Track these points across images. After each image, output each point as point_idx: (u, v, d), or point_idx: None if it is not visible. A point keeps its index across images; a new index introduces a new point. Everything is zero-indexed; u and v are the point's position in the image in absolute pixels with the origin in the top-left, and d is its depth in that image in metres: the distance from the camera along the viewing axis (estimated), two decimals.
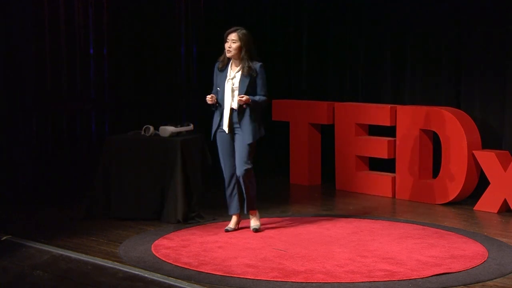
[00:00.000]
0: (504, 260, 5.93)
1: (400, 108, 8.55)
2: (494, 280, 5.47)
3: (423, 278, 5.47)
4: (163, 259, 6.01)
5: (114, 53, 9.63)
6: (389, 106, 8.62)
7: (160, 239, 6.66)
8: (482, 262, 5.87)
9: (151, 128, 7.60)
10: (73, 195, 8.55)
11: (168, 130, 7.51)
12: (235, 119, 6.65)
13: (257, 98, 6.64)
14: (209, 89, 10.63)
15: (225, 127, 6.69)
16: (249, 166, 6.66)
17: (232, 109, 6.65)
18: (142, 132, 7.62)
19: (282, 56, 10.14)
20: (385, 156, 8.63)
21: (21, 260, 6.10)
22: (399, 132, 8.52)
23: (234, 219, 6.91)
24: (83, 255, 6.09)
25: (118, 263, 5.85)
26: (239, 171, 6.68)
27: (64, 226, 7.17)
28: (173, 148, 7.33)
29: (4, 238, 6.59)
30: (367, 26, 9.30)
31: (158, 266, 5.81)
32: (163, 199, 7.37)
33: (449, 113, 8.14)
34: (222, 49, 10.50)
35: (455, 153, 8.05)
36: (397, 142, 8.56)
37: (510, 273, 5.62)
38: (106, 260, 5.93)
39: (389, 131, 8.67)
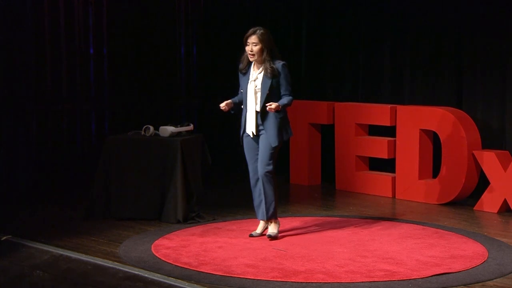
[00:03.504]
0: (504, 260, 5.93)
1: (400, 108, 8.55)
2: (494, 280, 5.47)
3: (423, 278, 5.47)
4: (163, 259, 6.01)
5: (114, 53, 9.64)
6: (389, 106, 8.62)
7: (160, 239, 6.66)
8: (482, 262, 5.87)
9: (151, 128, 7.60)
10: (73, 195, 8.56)
11: (168, 130, 7.51)
12: (260, 121, 6.45)
13: (285, 101, 6.43)
14: (208, 89, 10.74)
15: (250, 130, 6.49)
16: (270, 169, 6.45)
17: (256, 112, 6.45)
18: (142, 132, 7.62)
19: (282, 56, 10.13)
20: (385, 156, 8.63)
21: (21, 260, 6.09)
22: (399, 132, 8.52)
23: (261, 224, 6.69)
24: (83, 255, 6.09)
25: (118, 263, 5.85)
26: (260, 173, 6.49)
27: (64, 226, 7.17)
28: (173, 148, 7.33)
29: (4, 238, 6.59)
30: (367, 26, 9.30)
31: (158, 266, 5.81)
32: (163, 199, 7.37)
33: (449, 113, 8.14)
34: (221, 49, 10.60)
35: (455, 153, 8.05)
36: (397, 142, 8.56)
37: (510, 273, 5.62)
38: (106, 260, 5.93)
39: (389, 131, 8.67)
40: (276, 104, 6.35)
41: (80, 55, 9.34)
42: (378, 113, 8.68)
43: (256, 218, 6.73)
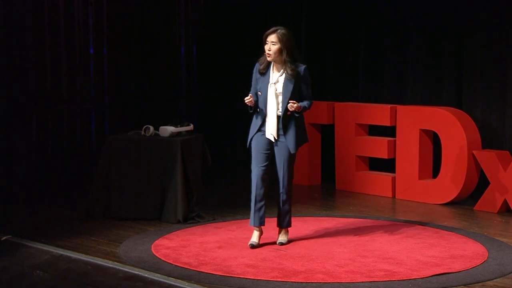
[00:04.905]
0: (504, 260, 5.94)
1: (400, 108, 8.55)
2: (494, 280, 5.47)
3: (423, 278, 5.47)
4: (163, 259, 6.01)
5: (114, 53, 9.64)
6: (389, 106, 8.62)
7: (160, 239, 6.66)
8: (482, 262, 5.88)
9: (151, 128, 7.60)
10: (73, 195, 8.56)
11: (168, 130, 7.51)
12: (280, 125, 6.21)
13: (306, 104, 6.21)
14: (208, 89, 10.74)
15: (270, 135, 6.25)
16: (292, 178, 6.40)
17: (278, 116, 6.21)
18: (142, 132, 7.63)
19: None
20: (385, 156, 8.63)
21: (21, 260, 6.10)
22: (399, 132, 8.52)
23: (257, 233, 6.40)
24: (83, 255, 6.09)
25: (118, 263, 5.85)
26: (280, 184, 6.38)
27: (64, 226, 7.17)
28: (173, 148, 7.33)
29: (4, 238, 6.59)
30: (367, 26, 9.30)
31: (158, 266, 5.81)
32: (163, 199, 7.37)
33: (449, 113, 8.14)
34: (221, 49, 10.60)
35: (455, 153, 8.05)
36: (397, 142, 8.56)
37: (510, 273, 5.63)
38: (106, 260, 5.93)
39: (389, 131, 8.67)
40: (299, 104, 6.11)
41: (80, 55, 9.34)
42: (378, 113, 8.67)
43: (252, 224, 6.41)
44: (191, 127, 7.75)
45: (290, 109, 6.12)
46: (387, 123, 8.59)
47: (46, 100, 8.99)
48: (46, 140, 9.05)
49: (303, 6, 9.89)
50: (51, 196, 8.52)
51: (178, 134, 7.57)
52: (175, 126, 7.60)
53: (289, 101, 6.12)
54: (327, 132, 9.28)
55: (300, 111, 6.18)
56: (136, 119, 9.21)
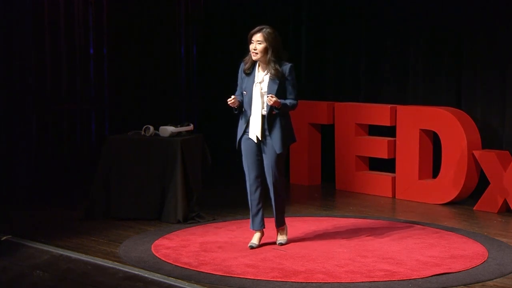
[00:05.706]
0: (504, 260, 5.94)
1: (400, 108, 8.55)
2: (494, 280, 5.47)
3: (423, 278, 5.47)
4: (163, 259, 6.01)
5: (114, 53, 9.64)
6: (389, 106, 8.62)
7: (160, 239, 6.66)
8: (482, 262, 5.88)
9: (151, 128, 7.60)
10: (73, 195, 8.56)
11: (168, 130, 7.51)
12: (266, 125, 6.16)
13: (288, 102, 6.14)
14: (208, 89, 10.75)
15: (253, 135, 6.18)
16: (280, 177, 6.28)
17: (262, 116, 6.16)
18: (142, 132, 7.63)
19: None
20: (385, 156, 8.63)
21: (21, 260, 6.10)
22: (399, 132, 8.52)
23: (257, 235, 6.40)
24: (83, 255, 6.09)
25: (118, 263, 5.85)
26: (270, 184, 6.29)
27: (64, 226, 7.18)
28: (173, 148, 7.33)
29: (4, 238, 6.59)
30: (367, 26, 9.30)
31: (158, 266, 5.81)
32: (163, 199, 7.37)
33: (449, 113, 8.14)
34: (221, 49, 10.60)
35: (455, 153, 8.05)
36: (397, 142, 8.56)
37: (510, 273, 5.63)
38: (106, 260, 5.93)
39: (389, 131, 8.67)
40: (277, 99, 6.03)
41: (80, 55, 9.34)
42: (378, 113, 8.68)
43: (252, 228, 6.43)
44: (191, 127, 7.76)
45: (269, 103, 6.06)
46: (387, 123, 8.59)
47: (46, 100, 8.99)
48: (46, 140, 9.05)
49: (303, 6, 9.90)
50: (51, 196, 8.52)
51: (178, 134, 7.57)
52: (175, 126, 7.60)
53: (268, 95, 6.07)
54: (327, 132, 9.28)
55: (279, 107, 6.12)
56: (136, 119, 9.21)
